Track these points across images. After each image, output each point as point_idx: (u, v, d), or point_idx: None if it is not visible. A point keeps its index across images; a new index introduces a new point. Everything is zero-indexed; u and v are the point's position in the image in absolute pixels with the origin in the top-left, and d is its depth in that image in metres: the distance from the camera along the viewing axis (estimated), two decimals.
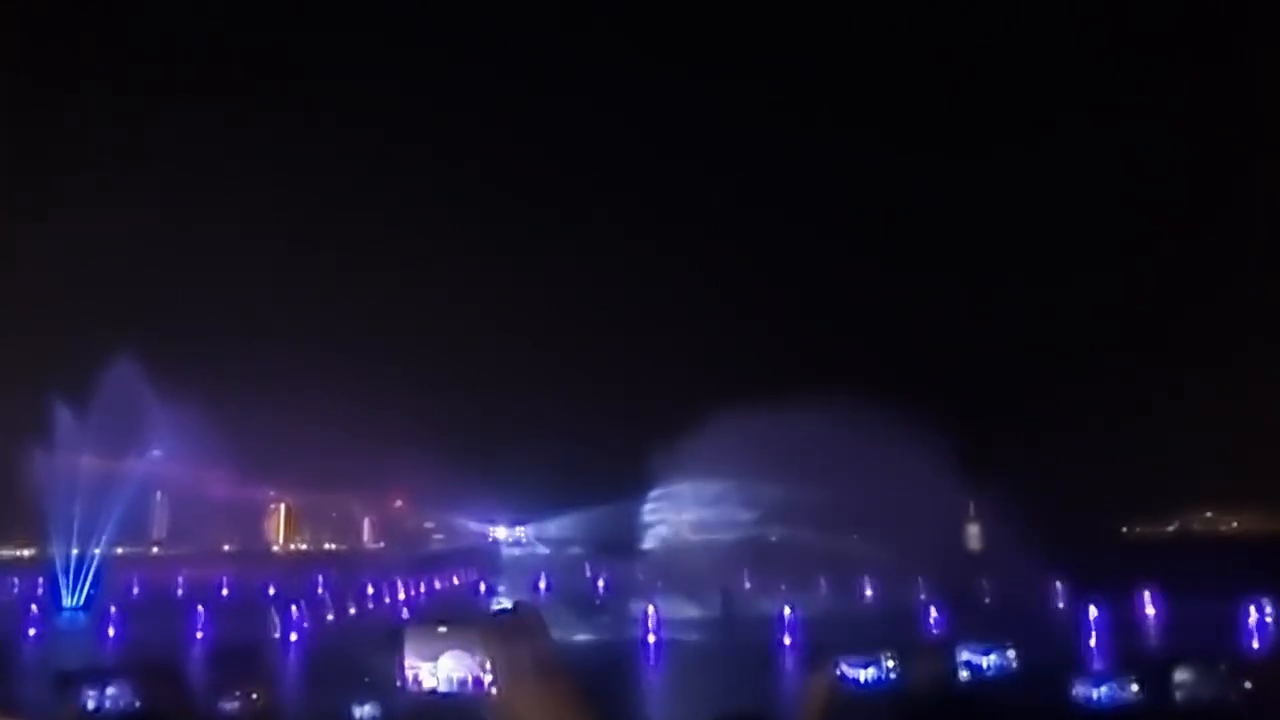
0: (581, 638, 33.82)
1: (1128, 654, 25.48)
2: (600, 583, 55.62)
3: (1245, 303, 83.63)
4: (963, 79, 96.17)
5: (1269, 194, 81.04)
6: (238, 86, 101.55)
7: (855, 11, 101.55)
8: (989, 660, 15.22)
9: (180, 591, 48.96)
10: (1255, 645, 28.53)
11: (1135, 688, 13.11)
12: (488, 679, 3.56)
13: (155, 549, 68.86)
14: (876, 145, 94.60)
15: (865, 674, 13.91)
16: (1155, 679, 13.19)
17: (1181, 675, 12.17)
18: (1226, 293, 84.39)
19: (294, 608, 35.78)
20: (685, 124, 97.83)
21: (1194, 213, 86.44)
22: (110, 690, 15.30)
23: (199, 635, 33.45)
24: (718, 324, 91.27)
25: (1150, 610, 37.66)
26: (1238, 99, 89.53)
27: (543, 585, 54.04)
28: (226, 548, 57.84)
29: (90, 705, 15.95)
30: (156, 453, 52.41)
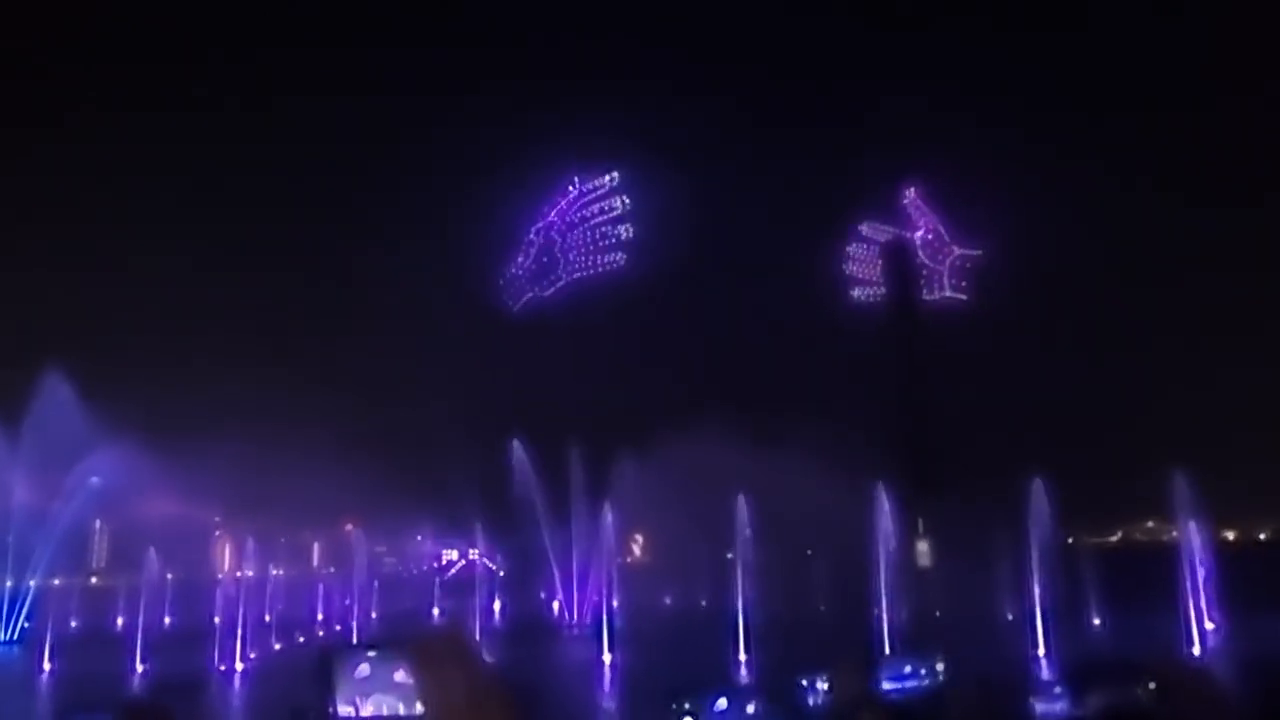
0: (533, 659, 33.51)
1: (1065, 663, 25.94)
2: (555, 603, 55.24)
3: (1184, 322, 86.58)
4: None
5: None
6: (180, 112, 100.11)
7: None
8: (910, 677, 15.29)
9: (120, 622, 47.39)
10: (1191, 650, 29.25)
11: (1059, 701, 13.36)
12: (420, 709, 3.49)
13: (94, 579, 66.59)
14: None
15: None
16: (1078, 688, 13.43)
17: (1098, 684, 12.45)
18: (1166, 311, 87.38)
19: (239, 637, 34.90)
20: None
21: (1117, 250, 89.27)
22: None
23: (139, 668, 32.38)
24: (668, 342, 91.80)
25: (1096, 620, 38.46)
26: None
27: (497, 606, 53.45)
28: (169, 576, 56.13)
29: None
30: (95, 480, 50.78)
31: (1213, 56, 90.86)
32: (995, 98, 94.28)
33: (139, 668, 32.28)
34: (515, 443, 59.04)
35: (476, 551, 74.54)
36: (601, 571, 53.81)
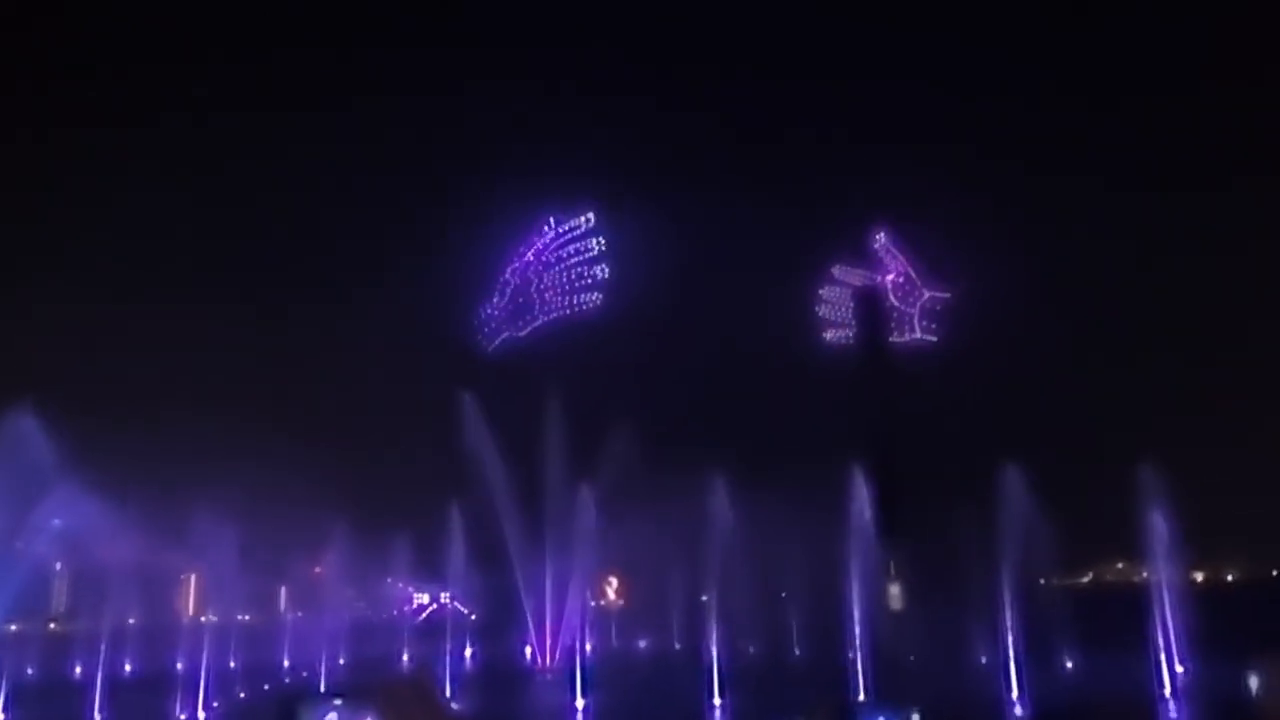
0: (505, 704, 33.01)
1: (1036, 707, 25.97)
2: (528, 648, 54.48)
3: (1156, 353, 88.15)
4: None
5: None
6: (159, 141, 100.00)
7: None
8: None
9: (79, 670, 46.11)
10: (1162, 692, 29.38)
11: None
12: None
13: (53, 624, 64.85)
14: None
15: None
16: None
17: None
18: (1138, 345, 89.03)
19: (202, 685, 34.09)
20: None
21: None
22: None
23: (97, 718, 31.47)
24: (641, 381, 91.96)
25: (1068, 663, 38.56)
26: None
27: (469, 652, 52.65)
28: (131, 621, 54.89)
29: None
30: (57, 521, 49.64)
31: (1208, 58, 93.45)
32: (964, 137, 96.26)
33: (96, 718, 31.35)
34: (488, 484, 58.62)
35: (448, 595, 73.59)
36: (574, 615, 53.31)
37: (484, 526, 57.64)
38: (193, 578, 70.73)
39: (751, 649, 44.80)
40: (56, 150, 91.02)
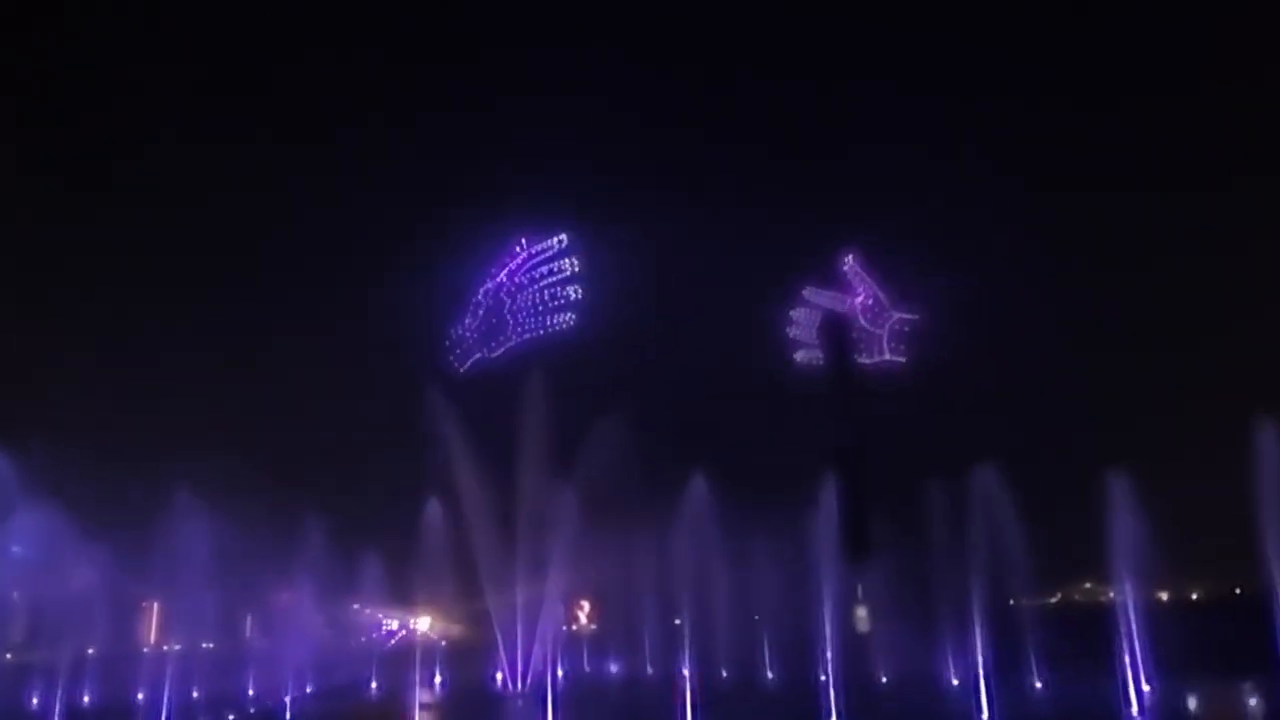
0: None
1: None
2: (499, 675, 53.98)
3: (1150, 363, 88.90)
4: None
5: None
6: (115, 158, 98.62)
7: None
8: None
9: (36, 701, 44.96)
10: (1130, 711, 29.72)
11: None
12: None
13: (9, 655, 63.21)
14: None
15: None
16: None
17: None
18: (1097, 371, 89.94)
19: (164, 715, 33.44)
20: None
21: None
22: None
23: None
24: (614, 403, 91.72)
25: (1037, 683, 38.90)
26: None
27: (438, 678, 52.00)
28: (90, 651, 53.69)
29: None
30: (15, 549, 48.55)
31: (1208, 58, 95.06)
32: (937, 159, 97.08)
33: None
34: (464, 509, 58.20)
35: (420, 621, 72.73)
36: (546, 639, 52.91)
37: (455, 549, 57.08)
38: (155, 605, 69.31)
39: (724, 672, 44.69)
40: (36, 158, 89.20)
